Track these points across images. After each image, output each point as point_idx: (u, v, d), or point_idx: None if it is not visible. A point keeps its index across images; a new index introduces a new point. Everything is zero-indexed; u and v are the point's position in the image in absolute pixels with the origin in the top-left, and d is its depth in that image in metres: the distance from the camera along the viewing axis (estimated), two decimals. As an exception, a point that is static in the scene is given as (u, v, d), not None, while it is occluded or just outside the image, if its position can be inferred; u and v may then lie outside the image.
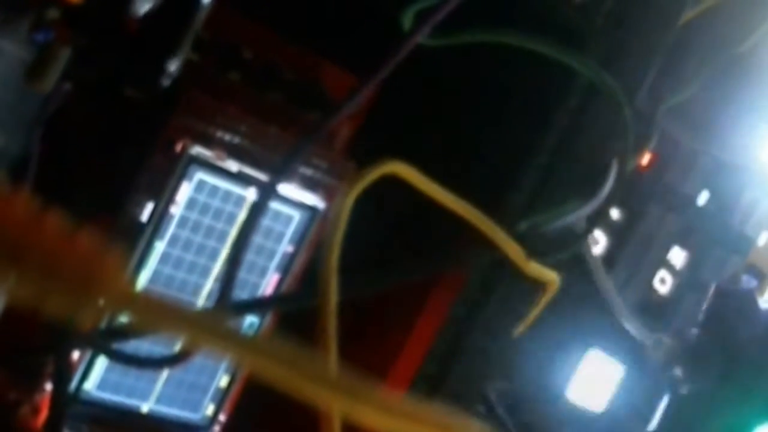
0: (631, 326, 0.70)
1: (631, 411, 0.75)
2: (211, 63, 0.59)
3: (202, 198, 0.59)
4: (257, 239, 0.61)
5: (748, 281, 0.77)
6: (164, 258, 0.59)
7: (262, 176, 0.60)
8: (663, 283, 0.74)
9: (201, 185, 0.59)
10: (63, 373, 0.55)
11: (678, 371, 0.74)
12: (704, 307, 0.76)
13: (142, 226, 0.57)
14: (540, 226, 0.59)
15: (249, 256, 0.61)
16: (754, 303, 0.76)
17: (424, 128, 0.66)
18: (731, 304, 0.76)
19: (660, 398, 0.75)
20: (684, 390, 0.74)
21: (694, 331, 0.75)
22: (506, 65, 0.62)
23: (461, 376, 0.62)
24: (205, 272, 0.61)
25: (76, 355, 0.58)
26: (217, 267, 0.61)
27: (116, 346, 0.56)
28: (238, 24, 0.60)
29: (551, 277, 0.60)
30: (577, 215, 0.60)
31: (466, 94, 0.66)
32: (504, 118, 0.63)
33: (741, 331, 0.75)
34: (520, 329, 0.62)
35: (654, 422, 0.76)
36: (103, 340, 0.55)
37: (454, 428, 0.28)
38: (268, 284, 0.63)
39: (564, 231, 0.60)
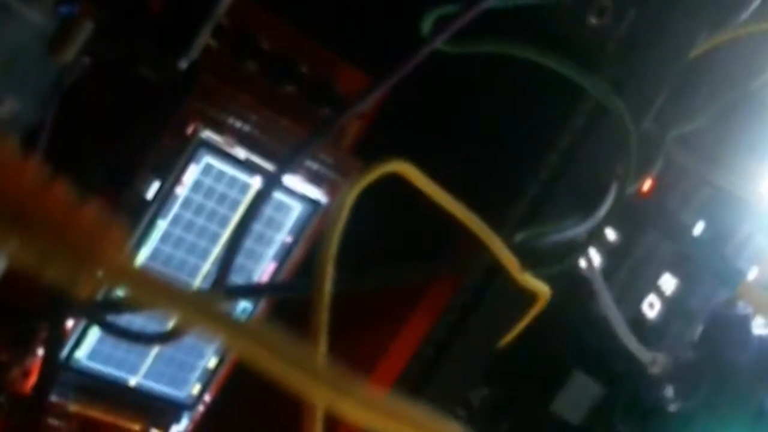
0: (629, 342, 0.70)
1: (611, 428, 0.75)
2: (229, 50, 0.59)
3: (208, 181, 0.60)
4: (257, 227, 0.62)
5: (743, 307, 0.77)
6: (165, 237, 0.60)
7: (269, 166, 0.61)
8: (651, 307, 0.74)
9: (208, 169, 0.59)
10: (56, 339, 0.56)
11: (669, 390, 0.74)
12: (700, 328, 0.76)
13: (146, 204, 0.58)
14: (536, 239, 0.60)
15: (248, 243, 0.61)
16: (747, 329, 0.77)
17: (431, 133, 0.66)
18: (725, 328, 0.76)
19: (645, 417, 0.75)
20: (672, 409, 0.75)
21: (689, 351, 0.76)
22: (517, 77, 0.62)
23: (445, 379, 0.63)
24: (204, 254, 0.61)
25: (70, 323, 0.59)
26: (216, 250, 0.61)
27: (110, 318, 0.57)
28: (258, 14, 0.60)
29: (543, 289, 0.60)
30: (574, 232, 0.60)
31: (476, 103, 0.66)
32: (510, 129, 0.64)
33: (731, 355, 0.75)
34: (507, 338, 0.63)
35: None
36: (98, 311, 0.56)
37: (434, 428, 0.28)
38: (265, 272, 0.64)
39: (561, 246, 0.61)
